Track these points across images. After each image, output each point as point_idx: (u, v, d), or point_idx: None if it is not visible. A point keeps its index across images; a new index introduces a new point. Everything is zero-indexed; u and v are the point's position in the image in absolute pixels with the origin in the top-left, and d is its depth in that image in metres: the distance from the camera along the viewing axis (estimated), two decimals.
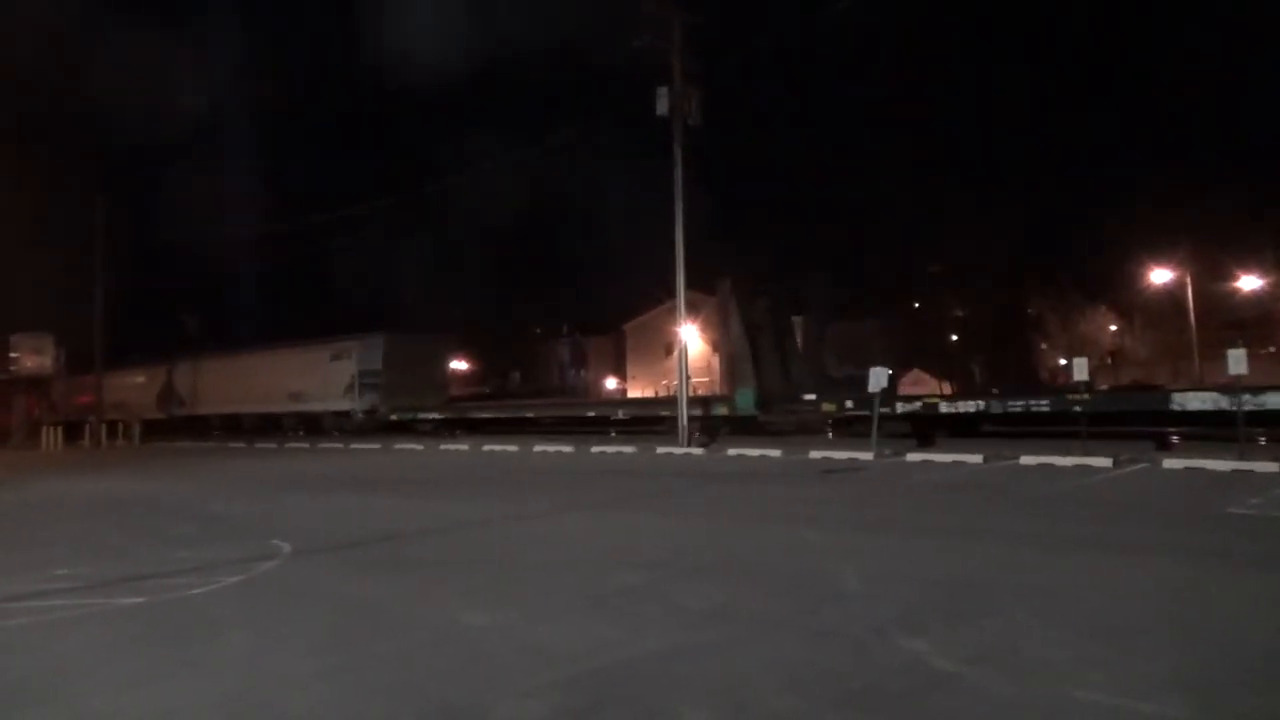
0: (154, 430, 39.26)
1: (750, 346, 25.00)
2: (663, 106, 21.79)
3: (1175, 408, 17.19)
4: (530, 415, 31.10)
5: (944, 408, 20.24)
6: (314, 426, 35.91)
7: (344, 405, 34.56)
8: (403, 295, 74.53)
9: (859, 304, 28.77)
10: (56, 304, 41.72)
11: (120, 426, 37.93)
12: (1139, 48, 70.87)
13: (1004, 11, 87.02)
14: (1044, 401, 19.18)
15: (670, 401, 28.10)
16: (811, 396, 22.56)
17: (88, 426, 37.38)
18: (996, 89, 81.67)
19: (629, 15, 22.01)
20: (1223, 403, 16.46)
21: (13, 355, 42.95)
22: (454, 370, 60.98)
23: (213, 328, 49.62)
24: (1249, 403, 16.20)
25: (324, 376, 35.46)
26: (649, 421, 26.80)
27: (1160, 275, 43.37)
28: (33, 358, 43.15)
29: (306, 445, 29.23)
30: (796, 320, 29.18)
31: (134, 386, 43.77)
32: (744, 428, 23.82)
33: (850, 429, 21.05)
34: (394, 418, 33.26)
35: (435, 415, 32.67)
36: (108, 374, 41.12)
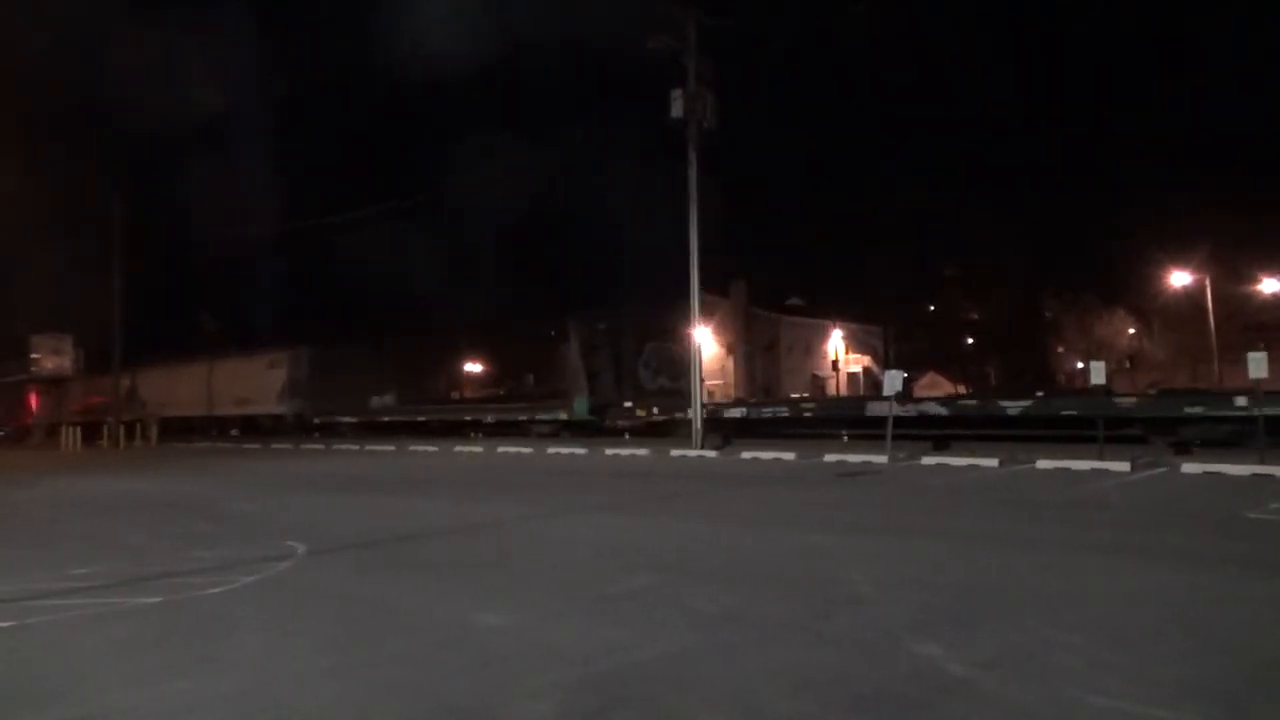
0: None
1: (586, 362, 29.50)
2: (677, 109, 21.77)
3: (868, 414, 21.63)
4: (421, 419, 34.64)
5: (726, 413, 25.48)
6: (254, 427, 39.84)
7: (279, 409, 38.62)
8: (416, 296, 74.79)
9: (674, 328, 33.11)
10: (75, 303, 42.35)
11: (138, 426, 38.29)
12: (1158, 49, 70.31)
13: (1022, 13, 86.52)
14: (784, 408, 24.75)
15: (528, 405, 33.27)
16: (629, 404, 28.37)
17: (105, 427, 37.72)
18: (1014, 90, 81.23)
19: (645, 16, 22.04)
20: (896, 410, 20.36)
21: (33, 356, 43.47)
22: (467, 373, 61.24)
23: (227, 327, 50.15)
24: (922, 409, 20.97)
25: (262, 383, 39.49)
26: (509, 425, 30.92)
27: (1179, 278, 42.98)
28: (53, 358, 43.67)
29: (321, 446, 29.41)
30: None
31: (103, 390, 44.91)
32: (581, 429, 28.38)
33: (658, 430, 26.84)
34: (316, 421, 37.09)
35: (350, 419, 36.68)
36: (92, 378, 42.38)
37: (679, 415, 26.22)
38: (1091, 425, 16.71)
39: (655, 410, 27.63)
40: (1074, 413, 18.68)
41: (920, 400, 24.35)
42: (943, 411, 20.85)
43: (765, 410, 25.30)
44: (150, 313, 50.01)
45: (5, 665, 4.65)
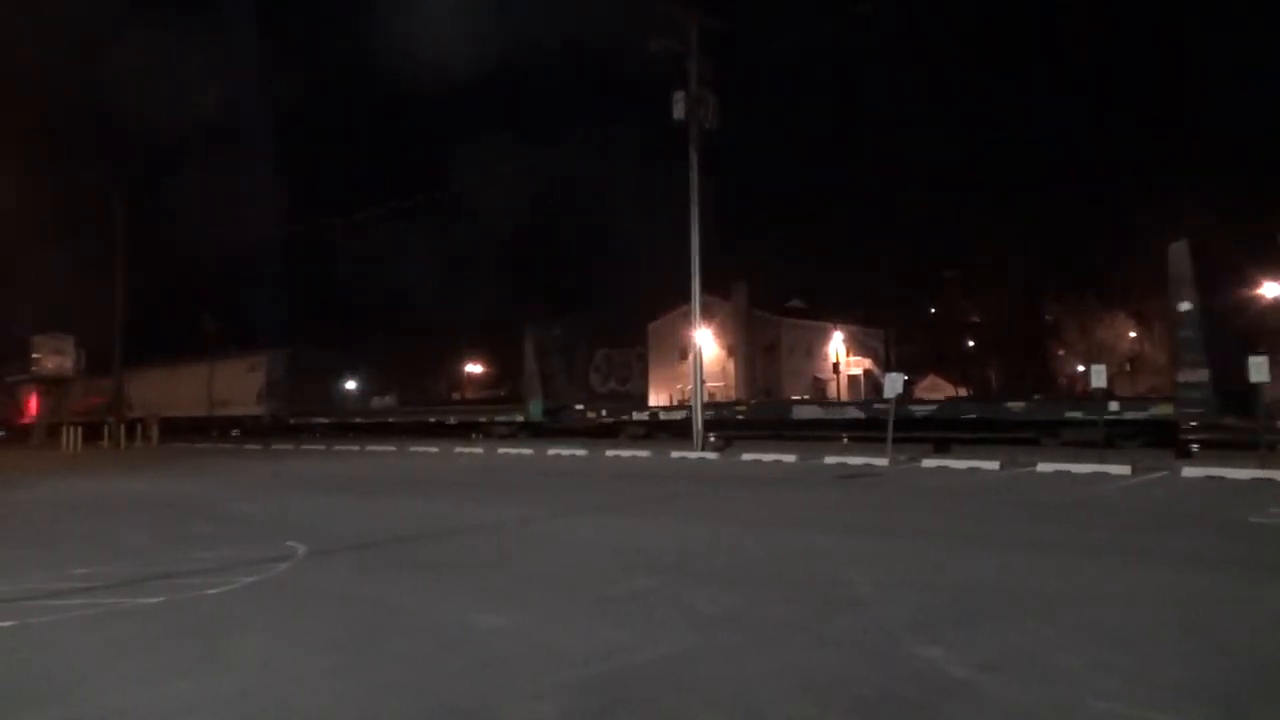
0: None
1: (540, 367, 30.81)
2: (679, 111, 21.77)
3: (794, 417, 24.72)
4: (390, 420, 36.47)
5: (663, 415, 28.89)
6: (236, 427, 41.77)
7: (257, 410, 40.27)
8: (416, 297, 74.89)
9: (625, 335, 35.02)
10: (77, 304, 42.46)
11: (139, 427, 38.30)
12: (1160, 49, 70.33)
13: (1024, 15, 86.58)
14: (728, 410, 27.51)
15: (485, 406, 35.77)
16: (580, 407, 30.34)
17: (106, 427, 37.71)
18: (1016, 93, 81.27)
19: (646, 17, 22.05)
20: (819, 413, 24.64)
21: (34, 356, 43.44)
22: (469, 374, 61.27)
23: (227, 327, 50.29)
24: (843, 413, 23.94)
25: (241, 385, 41.15)
26: (470, 426, 32.61)
27: None
28: (54, 358, 43.62)
29: (321, 447, 29.42)
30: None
31: (102, 390, 45.38)
32: (537, 430, 30.10)
33: (609, 431, 28.43)
34: (292, 421, 38.59)
35: (323, 420, 38.31)
36: (91, 379, 42.86)
37: (624, 418, 28.91)
38: (989, 427, 19.17)
39: (604, 412, 29.67)
40: (973, 416, 21.33)
41: (844, 404, 29.14)
42: (860, 415, 23.86)
43: (705, 413, 27.36)
44: (150, 313, 50.16)
45: (5, 665, 4.65)
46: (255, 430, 39.49)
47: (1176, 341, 16.82)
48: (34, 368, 43.73)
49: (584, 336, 34.04)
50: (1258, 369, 13.74)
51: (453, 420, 33.93)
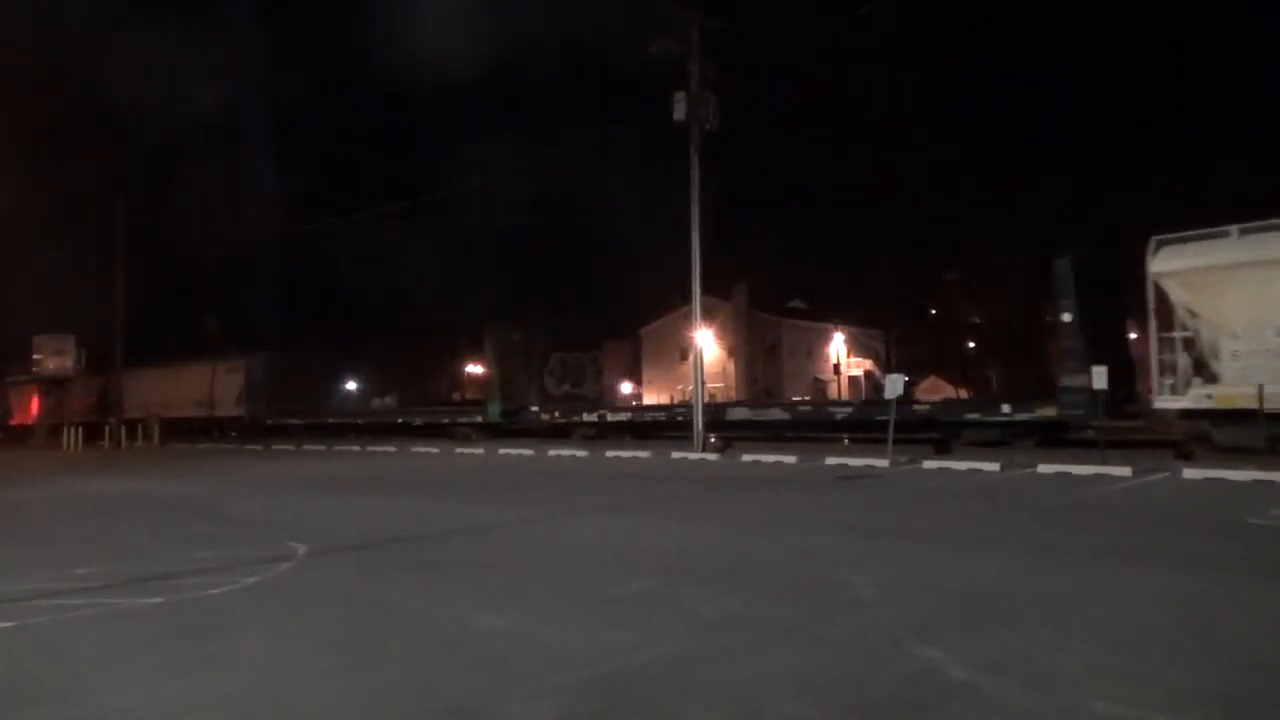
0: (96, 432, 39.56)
1: (500, 369, 31.82)
2: (680, 112, 21.72)
3: (727, 419, 25.93)
4: (360, 421, 38.04)
5: (611, 417, 30.18)
6: (219, 428, 42.72)
7: (237, 411, 41.14)
8: (419, 297, 75.02)
9: (584, 339, 35.87)
10: (76, 304, 42.54)
11: (140, 427, 38.31)
12: (1158, 49, 70.36)
13: (1025, 16, 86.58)
14: (661, 413, 29.84)
15: (450, 409, 36.44)
16: (535, 408, 31.60)
17: (107, 427, 37.71)
18: (1016, 93, 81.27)
19: (647, 18, 22.02)
20: (747, 414, 26.20)
21: (35, 356, 43.49)
22: (470, 374, 61.33)
23: (229, 328, 50.40)
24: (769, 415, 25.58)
25: (222, 387, 42.13)
26: (435, 428, 33.31)
27: None
28: (54, 358, 43.68)
29: (322, 447, 29.42)
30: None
31: (96, 390, 46.01)
32: (495, 431, 30.95)
33: (560, 431, 29.57)
34: (269, 422, 39.36)
35: (298, 420, 39.04)
36: (86, 380, 43.26)
37: (575, 419, 30.42)
38: (899, 428, 19.85)
39: (557, 414, 31.03)
40: (885, 418, 22.05)
41: (768, 406, 30.37)
42: (785, 416, 25.49)
43: (647, 415, 30.30)
44: (150, 313, 50.25)
45: (5, 665, 4.66)
46: (239, 430, 39.99)
47: (1060, 349, 18.48)
48: (35, 368, 43.81)
49: (541, 340, 34.69)
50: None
51: (418, 421, 34.59)
